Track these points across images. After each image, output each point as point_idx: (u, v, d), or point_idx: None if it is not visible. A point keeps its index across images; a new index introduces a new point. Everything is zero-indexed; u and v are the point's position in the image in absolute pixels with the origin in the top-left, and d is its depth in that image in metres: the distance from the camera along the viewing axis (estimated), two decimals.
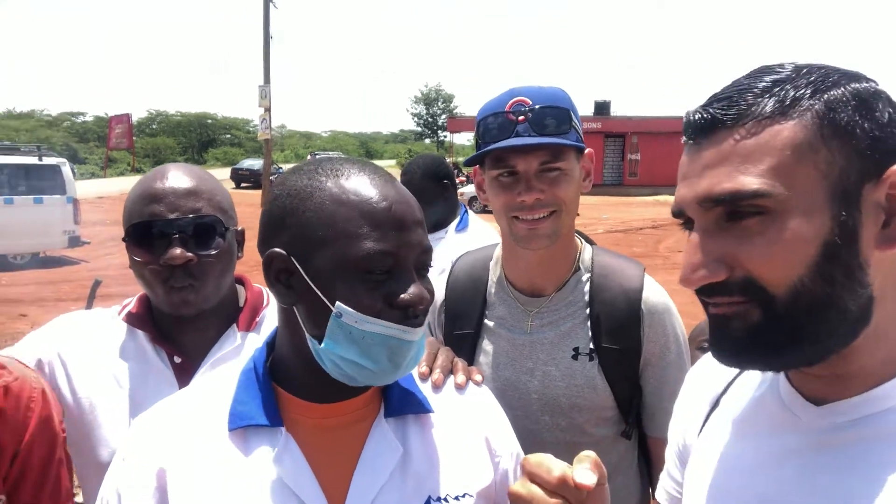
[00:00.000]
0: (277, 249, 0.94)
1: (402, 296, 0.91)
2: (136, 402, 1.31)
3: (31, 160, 12.62)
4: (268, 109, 23.99)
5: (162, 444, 0.96)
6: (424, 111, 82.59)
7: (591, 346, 1.48)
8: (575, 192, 1.45)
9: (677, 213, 0.80)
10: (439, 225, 3.27)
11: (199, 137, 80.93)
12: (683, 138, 0.81)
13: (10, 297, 10.04)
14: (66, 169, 13.03)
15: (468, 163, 1.53)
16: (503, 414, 1.16)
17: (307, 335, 0.95)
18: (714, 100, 0.77)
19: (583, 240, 1.61)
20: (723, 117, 0.75)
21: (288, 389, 1.00)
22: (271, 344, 1.06)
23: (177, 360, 1.38)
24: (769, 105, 0.73)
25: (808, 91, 0.73)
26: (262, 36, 24.84)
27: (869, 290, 0.73)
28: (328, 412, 0.99)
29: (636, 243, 16.44)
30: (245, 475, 0.94)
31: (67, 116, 75.78)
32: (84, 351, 1.37)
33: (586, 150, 1.50)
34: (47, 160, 12.79)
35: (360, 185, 0.94)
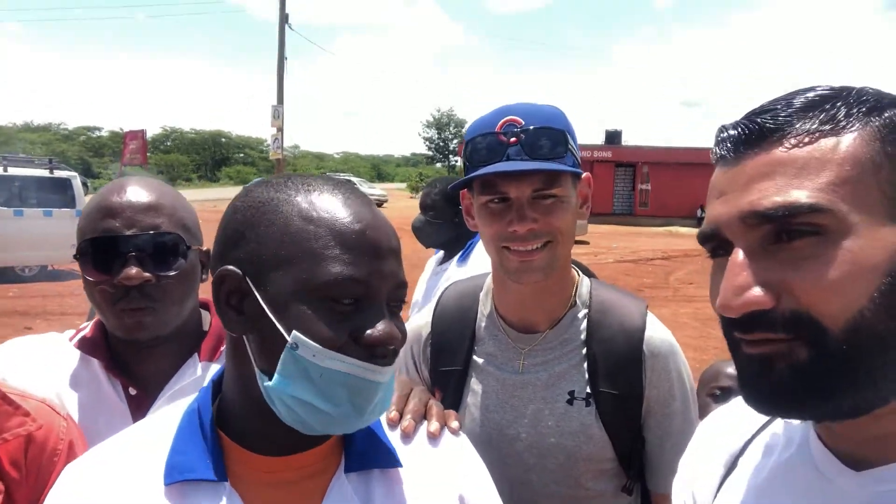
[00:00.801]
0: (231, 267, 0.82)
1: (370, 331, 0.80)
2: (87, 436, 1.19)
3: (43, 173, 12.68)
4: (280, 129, 24.17)
5: (89, 498, 0.84)
6: (436, 135, 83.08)
7: (588, 389, 1.35)
8: (571, 220, 1.33)
9: (710, 234, 0.70)
10: (446, 248, 3.26)
11: (212, 155, 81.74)
12: (715, 155, 0.72)
13: (18, 309, 10.03)
14: (77, 182, 13.08)
15: (454, 188, 1.41)
16: (482, 466, 1.04)
17: (256, 370, 0.83)
18: (755, 113, 0.69)
19: (580, 272, 1.49)
20: (772, 126, 0.67)
21: (235, 438, 0.88)
22: (218, 383, 0.94)
23: (132, 391, 1.26)
24: (821, 118, 0.66)
25: (864, 108, 0.66)
26: (276, 56, 25.10)
27: None
28: (280, 465, 0.87)
29: (646, 274, 16.29)
30: None
31: (84, 131, 76.76)
32: (31, 379, 1.24)
33: (584, 175, 1.37)
34: (58, 173, 12.84)
35: (332, 202, 0.83)
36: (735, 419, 0.91)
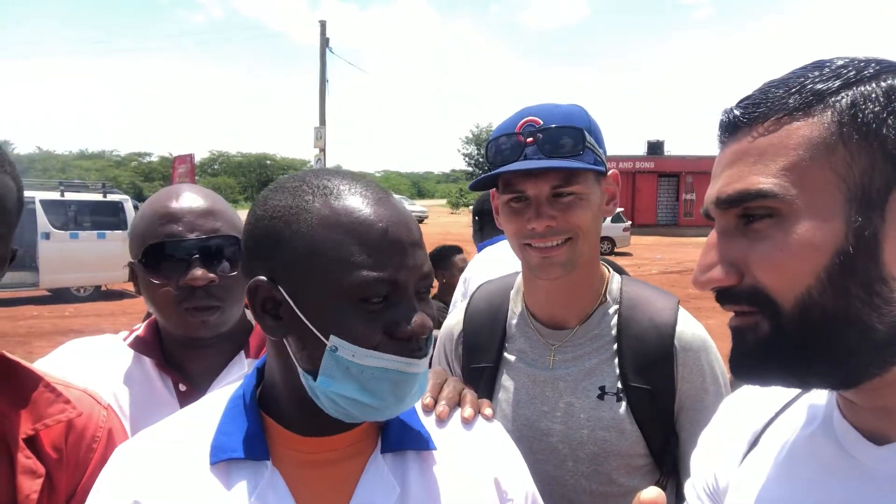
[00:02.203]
0: (262, 278, 0.86)
1: (403, 326, 0.84)
2: (139, 429, 1.25)
3: (97, 197, 13.18)
4: (323, 150, 24.59)
5: (139, 475, 0.90)
6: (475, 151, 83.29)
7: (619, 384, 1.36)
8: (593, 217, 1.34)
9: (705, 214, 0.76)
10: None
11: (258, 177, 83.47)
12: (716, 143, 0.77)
13: (73, 328, 10.41)
14: (129, 205, 13.54)
15: (473, 187, 1.45)
16: (516, 451, 1.06)
17: (300, 370, 0.87)
18: (739, 102, 0.73)
19: (611, 269, 1.50)
20: (742, 115, 0.71)
21: (277, 420, 0.92)
22: (262, 370, 0.99)
23: (182, 387, 1.33)
24: (792, 101, 0.68)
25: (835, 85, 0.67)
26: (318, 79, 25.62)
27: None
28: (319, 446, 0.91)
29: (691, 285, 15.98)
30: None
31: (135, 157, 79.39)
32: (88, 377, 1.30)
33: (610, 172, 1.39)
34: (111, 197, 13.33)
35: (351, 204, 0.85)
36: (758, 398, 0.92)
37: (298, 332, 0.85)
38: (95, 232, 12.94)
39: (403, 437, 0.95)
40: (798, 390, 0.86)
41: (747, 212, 0.69)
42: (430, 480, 0.94)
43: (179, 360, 1.36)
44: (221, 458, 0.89)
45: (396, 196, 0.95)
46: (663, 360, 1.35)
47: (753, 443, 0.87)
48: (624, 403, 1.35)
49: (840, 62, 0.68)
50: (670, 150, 38.42)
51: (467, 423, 1.04)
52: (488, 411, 1.09)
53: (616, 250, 22.62)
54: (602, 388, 1.37)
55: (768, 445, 0.85)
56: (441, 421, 1.03)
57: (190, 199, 1.32)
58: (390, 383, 0.84)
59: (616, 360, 1.38)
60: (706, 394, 1.36)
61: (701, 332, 1.40)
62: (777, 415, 0.87)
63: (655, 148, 37.56)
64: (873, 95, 0.65)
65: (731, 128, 0.72)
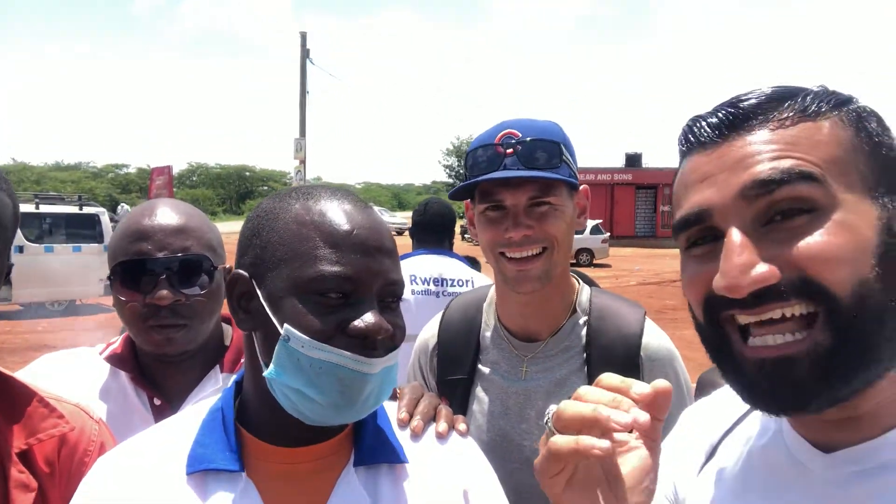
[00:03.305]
0: (240, 271, 0.91)
1: (356, 322, 0.85)
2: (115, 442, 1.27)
3: (72, 209, 13.00)
4: (303, 161, 24.56)
5: (118, 485, 0.92)
6: (456, 163, 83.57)
7: None
8: (567, 229, 1.38)
9: (695, 219, 0.71)
10: None
11: (237, 189, 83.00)
12: (689, 143, 0.75)
13: (47, 343, 10.23)
14: (105, 218, 13.38)
15: (452, 196, 1.48)
16: (488, 466, 1.08)
17: (262, 363, 0.90)
18: (730, 102, 0.72)
19: (581, 280, 1.54)
20: (752, 110, 0.71)
21: (252, 432, 0.95)
22: (240, 383, 1.01)
23: (156, 402, 1.34)
24: (794, 107, 0.70)
25: (831, 101, 0.71)
26: (298, 90, 25.61)
27: None
28: (293, 457, 0.93)
29: (669, 296, 16.13)
30: None
31: (112, 168, 78.55)
32: (63, 390, 1.29)
33: (581, 187, 1.44)
34: (87, 209, 13.16)
35: (326, 207, 0.90)
36: (715, 410, 0.95)
37: (263, 325, 0.89)
38: (70, 245, 12.75)
39: (376, 451, 0.97)
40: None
41: (777, 206, 0.66)
42: (400, 494, 0.96)
43: (154, 374, 1.37)
44: (197, 469, 0.91)
45: (377, 208, 0.97)
46: (630, 370, 1.38)
47: (711, 454, 0.89)
48: None
49: (817, 87, 0.72)
50: (648, 162, 38.95)
51: (441, 437, 1.05)
52: (462, 427, 1.10)
53: (595, 262, 22.82)
54: None
55: (724, 456, 0.87)
56: (416, 435, 1.04)
57: (163, 215, 1.33)
58: (338, 380, 0.85)
59: (585, 371, 1.41)
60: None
61: (666, 342, 1.43)
62: (733, 426, 0.89)
63: (633, 160, 38.04)
64: (870, 112, 0.71)
65: (736, 123, 0.71)
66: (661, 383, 0.68)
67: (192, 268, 1.31)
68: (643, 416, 0.64)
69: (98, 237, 12.98)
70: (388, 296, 0.91)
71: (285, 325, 0.86)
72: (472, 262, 4.95)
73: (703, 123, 0.74)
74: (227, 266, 1.41)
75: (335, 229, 0.88)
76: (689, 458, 0.92)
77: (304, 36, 25.56)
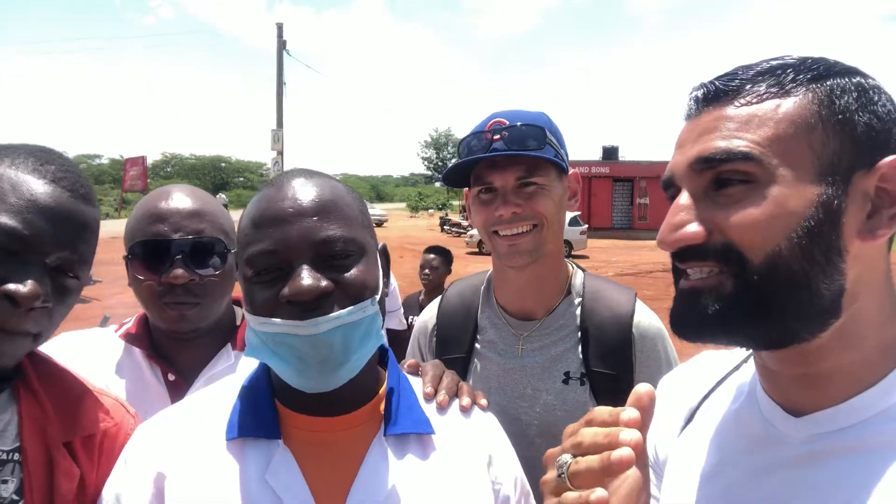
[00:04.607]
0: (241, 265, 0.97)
1: (284, 290, 0.89)
2: None
3: None
4: (280, 153, 24.37)
5: (162, 449, 0.97)
6: (434, 155, 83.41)
7: (583, 370, 1.47)
8: (556, 208, 1.46)
9: (668, 182, 0.80)
10: None
11: (212, 180, 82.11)
12: (685, 112, 0.82)
13: None
14: None
15: (446, 181, 1.57)
16: (506, 440, 1.14)
17: None
18: (719, 76, 0.79)
19: (575, 266, 1.62)
20: (725, 87, 0.77)
21: (285, 403, 1.00)
22: None
23: (171, 377, 1.40)
24: (771, 82, 0.75)
25: (811, 75, 0.74)
26: (275, 81, 25.38)
27: (843, 279, 0.72)
28: (325, 426, 0.99)
29: (646, 286, 16.32)
30: (240, 486, 0.93)
31: (84, 159, 77.26)
32: (81, 368, 1.35)
33: (571, 171, 1.52)
34: None
35: (262, 195, 0.96)
36: (693, 376, 1.01)
37: None
38: None
39: (405, 422, 1.02)
40: (729, 368, 0.95)
41: (722, 176, 0.74)
42: (428, 462, 1.01)
43: (168, 351, 1.43)
44: (237, 436, 0.97)
45: None
46: (623, 347, 1.47)
47: (689, 418, 0.96)
48: (587, 387, 1.47)
49: (813, 57, 0.77)
50: (625, 155, 39.22)
51: (465, 411, 1.11)
52: (483, 402, 1.16)
53: (573, 253, 22.97)
54: (567, 374, 1.48)
55: (702, 420, 0.94)
56: (441, 409, 1.10)
57: (179, 199, 1.39)
58: (289, 347, 0.90)
59: (579, 348, 1.49)
60: (661, 378, 1.46)
61: (656, 321, 1.52)
62: (710, 392, 0.96)
63: (610, 153, 38.27)
64: (848, 87, 0.73)
65: (710, 97, 0.78)
66: (644, 388, 0.74)
67: (206, 249, 1.38)
68: (636, 439, 0.69)
69: None
70: (325, 255, 0.91)
71: (245, 309, 0.94)
72: (446, 254, 5.03)
73: (692, 95, 0.81)
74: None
75: (256, 210, 0.94)
76: (669, 422, 0.99)
77: (280, 27, 25.29)
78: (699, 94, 0.80)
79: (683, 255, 0.77)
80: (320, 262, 0.91)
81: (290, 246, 0.90)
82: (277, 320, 0.89)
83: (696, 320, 0.76)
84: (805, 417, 0.78)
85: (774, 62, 0.77)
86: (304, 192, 0.94)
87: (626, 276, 18.41)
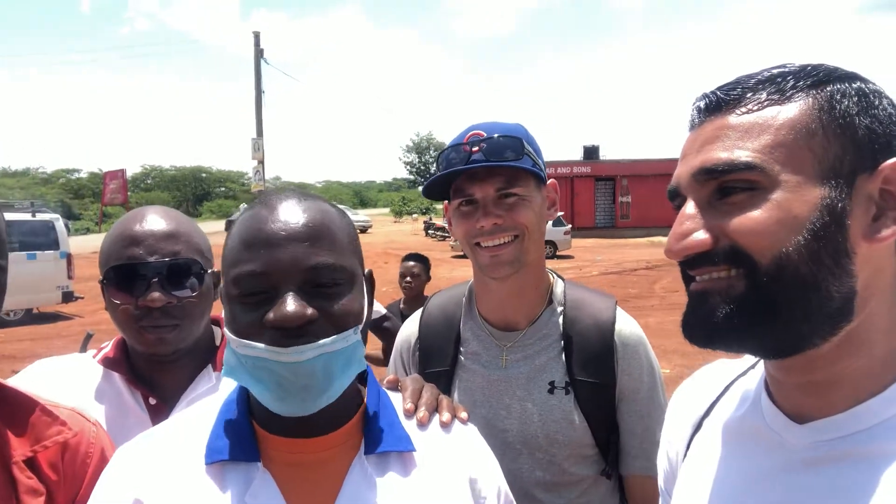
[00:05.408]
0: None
1: (269, 314, 0.88)
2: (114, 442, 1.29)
3: (25, 216, 12.64)
4: (261, 161, 24.26)
5: (140, 474, 0.96)
6: (417, 159, 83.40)
7: (567, 379, 1.48)
8: (536, 218, 1.47)
9: (673, 192, 0.81)
10: None
11: (193, 191, 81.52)
12: (688, 123, 0.83)
13: (5, 354, 9.95)
14: (60, 224, 13.06)
15: (427, 194, 1.57)
16: (489, 452, 1.13)
17: None
18: (722, 85, 0.80)
19: (555, 275, 1.63)
20: (726, 96, 0.78)
21: (263, 425, 0.99)
22: None
23: (151, 401, 1.38)
24: (771, 89, 0.76)
25: (811, 81, 0.75)
26: (253, 90, 25.28)
27: (853, 281, 0.72)
28: (305, 447, 0.98)
29: (631, 284, 16.44)
30: None
31: (62, 173, 76.41)
32: (59, 394, 1.32)
33: (549, 181, 1.54)
34: (41, 216, 12.82)
35: (254, 212, 0.95)
36: (700, 385, 1.02)
37: None
38: (24, 253, 12.40)
39: (385, 440, 1.01)
40: (735, 374, 0.96)
41: (726, 185, 0.75)
42: (410, 480, 1.00)
43: (148, 374, 1.41)
44: (216, 460, 0.95)
45: (341, 207, 1.03)
46: (605, 355, 1.48)
47: (697, 427, 0.97)
48: (572, 396, 1.47)
49: (814, 64, 0.77)
50: (605, 154, 39.46)
51: (445, 426, 1.10)
52: (464, 415, 1.15)
53: (558, 253, 23.08)
54: (551, 383, 1.48)
55: (709, 428, 0.94)
56: (422, 425, 1.08)
57: (153, 222, 1.38)
58: (269, 372, 0.89)
59: (563, 357, 1.50)
60: (642, 385, 1.50)
61: (637, 329, 1.54)
62: (717, 399, 0.96)
63: (591, 153, 38.47)
64: (848, 92, 0.74)
65: (712, 107, 0.79)
66: None
67: (183, 271, 1.36)
68: None
69: (53, 244, 12.66)
70: (313, 282, 0.91)
71: (226, 328, 0.94)
72: (425, 261, 5.02)
73: (695, 105, 0.82)
74: (217, 270, 1.47)
75: (247, 230, 0.92)
76: (680, 433, 1.00)
77: (257, 36, 25.22)
78: (701, 104, 0.81)
79: (693, 262, 0.78)
80: (307, 288, 0.90)
81: (278, 270, 0.89)
82: (259, 345, 0.88)
83: (706, 323, 0.77)
84: (808, 424, 0.78)
85: (775, 70, 0.78)
86: (297, 216, 0.93)
87: (610, 274, 18.52)
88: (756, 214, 0.73)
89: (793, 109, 0.74)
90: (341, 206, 1.05)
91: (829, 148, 0.73)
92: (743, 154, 0.74)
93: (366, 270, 1.04)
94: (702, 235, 0.76)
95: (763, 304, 0.73)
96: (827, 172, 0.72)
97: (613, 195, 37.25)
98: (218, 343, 1.51)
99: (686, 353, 9.16)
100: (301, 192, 0.99)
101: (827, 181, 0.72)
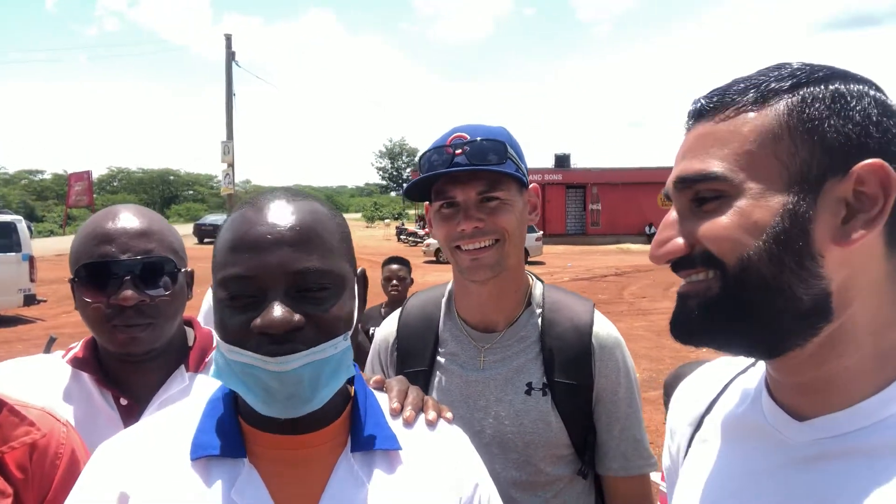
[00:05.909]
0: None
1: (256, 320, 0.87)
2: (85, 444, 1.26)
3: None
4: (231, 165, 24.03)
5: (125, 467, 0.94)
6: (389, 165, 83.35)
7: (545, 380, 1.48)
8: (517, 222, 1.47)
9: (666, 197, 0.84)
10: None
11: (161, 194, 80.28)
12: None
13: None
14: (22, 226, 12.74)
15: (408, 196, 1.57)
16: (474, 452, 1.13)
17: None
18: (710, 91, 0.81)
19: (534, 277, 1.64)
20: (707, 104, 0.80)
21: (250, 422, 0.98)
22: None
23: (123, 401, 1.35)
24: (751, 95, 0.77)
25: (787, 84, 0.75)
26: (224, 93, 25.02)
27: (824, 283, 0.73)
28: (292, 444, 0.97)
29: (601, 290, 16.60)
30: None
31: (25, 174, 74.66)
32: (27, 395, 1.29)
33: (531, 185, 1.54)
34: (2, 218, 12.50)
35: (241, 214, 0.93)
36: (701, 383, 1.03)
37: None
38: None
39: (371, 438, 1.01)
40: (735, 372, 0.97)
41: (699, 194, 0.78)
42: (396, 478, 1.00)
43: (118, 375, 1.38)
44: (201, 455, 0.94)
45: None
46: (583, 357, 1.49)
47: (698, 424, 0.98)
48: (549, 398, 1.47)
49: (796, 65, 0.78)
50: (577, 162, 39.89)
51: (431, 425, 1.10)
52: (449, 415, 1.16)
53: (529, 259, 23.23)
54: (529, 385, 1.49)
55: (709, 426, 0.95)
56: (408, 424, 1.09)
57: (126, 219, 1.35)
58: (256, 379, 0.88)
59: (541, 359, 1.50)
60: (619, 387, 1.51)
61: (614, 331, 1.55)
62: (717, 397, 0.97)
63: (562, 161, 38.88)
64: (820, 96, 0.74)
65: (697, 114, 0.81)
66: None
67: (156, 269, 1.34)
68: None
69: (15, 246, 12.33)
70: (301, 287, 0.89)
71: (215, 330, 0.93)
72: (408, 264, 5.03)
73: (688, 111, 0.84)
74: (190, 270, 1.46)
75: (234, 233, 0.91)
76: (681, 432, 1.01)
77: (229, 38, 25.03)
78: (690, 110, 0.83)
79: (676, 266, 0.82)
80: (295, 293, 0.89)
81: (264, 274, 0.88)
82: (247, 352, 0.87)
83: (687, 322, 0.81)
84: (808, 422, 0.79)
85: (772, 73, 0.78)
86: (284, 218, 0.91)
87: (581, 280, 18.68)
88: (721, 220, 0.75)
89: (764, 115, 0.75)
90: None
91: (797, 153, 0.73)
92: (713, 163, 0.76)
93: (359, 270, 1.04)
94: (679, 242, 0.80)
95: (734, 303, 0.76)
96: (794, 177, 0.73)
97: (584, 203, 37.65)
98: (191, 344, 1.48)
99: (655, 358, 9.27)
100: (292, 191, 0.97)
101: (792, 186, 0.73)
